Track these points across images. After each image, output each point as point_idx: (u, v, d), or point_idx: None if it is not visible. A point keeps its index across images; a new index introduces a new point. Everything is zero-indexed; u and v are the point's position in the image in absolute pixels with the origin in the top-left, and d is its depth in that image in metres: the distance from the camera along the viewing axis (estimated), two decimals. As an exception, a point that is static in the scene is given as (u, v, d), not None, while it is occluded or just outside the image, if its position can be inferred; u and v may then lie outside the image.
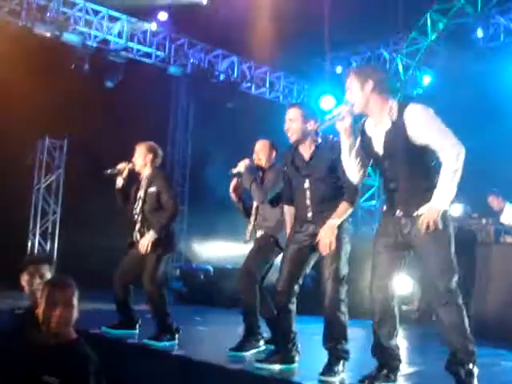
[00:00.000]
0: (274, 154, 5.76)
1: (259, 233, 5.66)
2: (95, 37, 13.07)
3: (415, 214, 3.87)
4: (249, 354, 5.21)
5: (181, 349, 5.34)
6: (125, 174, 6.27)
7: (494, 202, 9.27)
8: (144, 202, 6.06)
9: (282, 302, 4.69)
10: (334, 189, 4.58)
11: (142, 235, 5.99)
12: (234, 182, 5.69)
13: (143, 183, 6.17)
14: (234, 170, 5.61)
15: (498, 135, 11.28)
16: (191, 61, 14.54)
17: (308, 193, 4.65)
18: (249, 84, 15.61)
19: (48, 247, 13.93)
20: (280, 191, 5.28)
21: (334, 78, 15.70)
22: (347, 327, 4.53)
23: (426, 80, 15.01)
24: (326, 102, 15.42)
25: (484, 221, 8.23)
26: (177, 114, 17.44)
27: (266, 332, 5.62)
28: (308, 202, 4.64)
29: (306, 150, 4.73)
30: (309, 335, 4.90)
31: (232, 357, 5.10)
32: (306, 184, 4.66)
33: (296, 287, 4.68)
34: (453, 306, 3.79)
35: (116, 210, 6.49)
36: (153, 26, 13.79)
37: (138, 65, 13.80)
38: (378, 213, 15.11)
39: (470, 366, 3.76)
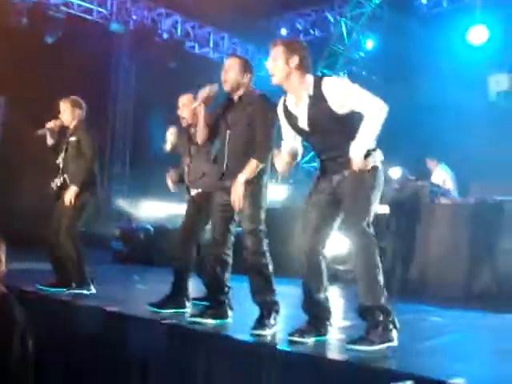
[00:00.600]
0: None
1: (194, 191, 5.60)
2: (34, -10, 12.72)
3: (347, 174, 3.95)
4: (168, 312, 5.12)
5: (116, 305, 5.31)
6: (54, 131, 6.51)
7: (429, 162, 9.72)
8: (66, 150, 6.40)
9: (217, 253, 4.71)
10: (251, 144, 4.58)
11: (64, 182, 6.35)
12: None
13: (67, 134, 6.49)
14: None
15: (437, 101, 11.48)
16: (134, 18, 14.30)
17: (226, 145, 4.68)
18: (192, 43, 15.47)
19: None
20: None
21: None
22: (272, 279, 4.58)
23: (369, 44, 15.09)
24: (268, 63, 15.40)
25: (420, 183, 8.42)
26: (119, 72, 17.17)
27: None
28: (225, 154, 4.68)
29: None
30: (243, 291, 4.93)
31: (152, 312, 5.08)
32: (227, 137, 4.69)
33: (231, 238, 4.72)
34: (364, 250, 3.88)
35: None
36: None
37: (78, 21, 13.50)
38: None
39: (379, 316, 3.81)
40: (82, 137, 6.36)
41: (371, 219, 3.93)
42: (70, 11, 13.33)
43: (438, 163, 9.59)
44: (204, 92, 4.79)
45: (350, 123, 3.94)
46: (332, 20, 15.30)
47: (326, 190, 4.06)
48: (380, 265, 3.89)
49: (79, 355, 5.19)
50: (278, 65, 4.04)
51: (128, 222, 13.90)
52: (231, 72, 4.66)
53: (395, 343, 3.79)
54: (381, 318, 3.80)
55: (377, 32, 14.76)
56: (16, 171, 12.97)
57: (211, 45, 15.82)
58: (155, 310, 5.12)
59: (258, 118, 4.56)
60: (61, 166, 6.43)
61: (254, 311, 4.52)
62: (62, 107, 6.49)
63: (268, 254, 4.58)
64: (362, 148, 3.81)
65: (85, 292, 6.15)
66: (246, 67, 4.72)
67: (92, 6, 13.69)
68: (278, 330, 4.42)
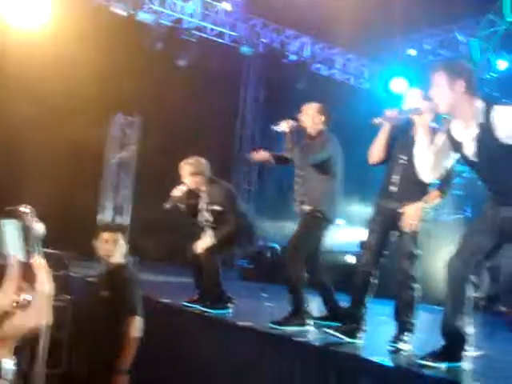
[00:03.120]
0: (322, 118, 5.68)
1: (304, 206, 5.63)
2: (169, 16, 13.26)
3: None
4: (289, 329, 5.20)
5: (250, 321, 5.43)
6: (182, 198, 6.44)
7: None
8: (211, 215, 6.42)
9: (366, 272, 4.82)
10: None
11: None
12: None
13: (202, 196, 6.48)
14: (277, 128, 5.49)
15: None
16: (263, 41, 14.59)
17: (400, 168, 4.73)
18: (319, 65, 15.59)
19: (121, 221, 14.28)
20: (327, 160, 5.26)
21: (406, 61, 15.54)
22: (416, 302, 4.68)
23: (502, 65, 14.62)
24: (397, 84, 15.29)
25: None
26: (247, 93, 17.54)
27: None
28: (398, 177, 4.75)
29: None
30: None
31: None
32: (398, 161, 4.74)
33: (380, 259, 4.84)
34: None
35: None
36: (226, 6, 13.90)
37: (210, 44, 13.94)
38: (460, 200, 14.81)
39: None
40: (226, 205, 6.30)
41: None
42: (203, 35, 13.76)
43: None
44: (393, 111, 4.58)
45: None
46: (462, 39, 14.97)
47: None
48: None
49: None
50: (442, 92, 3.80)
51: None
52: (426, 103, 4.39)
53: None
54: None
55: (510, 52, 14.31)
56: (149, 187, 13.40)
57: (338, 66, 15.88)
58: (276, 327, 5.20)
59: None
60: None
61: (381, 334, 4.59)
62: (183, 170, 6.42)
63: (417, 279, 4.72)
64: None
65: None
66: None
67: (224, 30, 14.09)
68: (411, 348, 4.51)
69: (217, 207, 6.30)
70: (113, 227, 5.43)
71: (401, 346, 4.51)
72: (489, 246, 3.97)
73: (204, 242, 6.27)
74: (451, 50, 15.42)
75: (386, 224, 4.78)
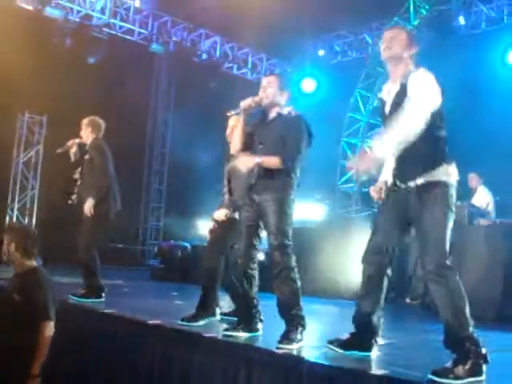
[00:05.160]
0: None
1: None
2: (78, 12, 13.00)
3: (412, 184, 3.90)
4: (198, 324, 5.25)
5: (161, 319, 5.39)
6: (74, 149, 6.91)
7: (472, 180, 9.57)
8: (82, 167, 6.87)
9: (243, 268, 4.79)
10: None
11: (78, 196, 6.82)
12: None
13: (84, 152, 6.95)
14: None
15: (477, 122, 11.41)
16: (173, 39, 14.52)
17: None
18: (231, 64, 15.65)
19: (26, 222, 13.89)
20: None
21: (316, 62, 15.79)
22: (300, 294, 4.63)
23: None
24: (308, 84, 15.52)
25: (459, 203, 8.36)
26: (158, 92, 17.44)
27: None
28: (255, 168, 4.75)
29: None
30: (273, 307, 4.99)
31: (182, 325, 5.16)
32: (257, 152, 4.77)
33: (253, 251, 4.78)
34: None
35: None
36: (136, 3, 13.76)
37: (120, 41, 13.77)
38: (354, 195, 15.28)
39: (469, 347, 3.60)
40: (94, 155, 6.74)
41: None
42: (112, 32, 13.58)
43: (481, 182, 9.48)
44: (247, 101, 4.80)
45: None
46: (370, 41, 15.34)
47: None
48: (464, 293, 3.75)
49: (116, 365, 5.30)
50: (395, 46, 3.98)
51: (165, 240, 14.05)
52: (270, 89, 4.77)
53: (483, 378, 3.52)
54: (471, 349, 3.58)
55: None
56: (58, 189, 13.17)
57: (249, 66, 15.98)
58: (185, 323, 5.20)
59: (292, 134, 4.66)
60: (78, 181, 6.89)
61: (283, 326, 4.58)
62: (82, 126, 6.92)
63: (296, 270, 4.64)
64: (382, 143, 3.69)
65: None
66: (284, 85, 4.86)
67: (133, 27, 13.94)
68: (304, 345, 4.45)
69: (87, 156, 6.83)
70: (5, 229, 5.30)
71: (290, 346, 4.33)
72: (397, 233, 4.05)
73: (86, 204, 6.61)
74: (360, 51, 15.78)
75: (254, 215, 4.77)
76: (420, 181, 3.85)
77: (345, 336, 4.16)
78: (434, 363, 3.66)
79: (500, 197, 9.53)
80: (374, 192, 4.32)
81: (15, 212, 13.93)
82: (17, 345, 4.58)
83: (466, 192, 9.48)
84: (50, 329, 4.68)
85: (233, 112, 4.88)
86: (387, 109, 4.06)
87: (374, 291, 4.09)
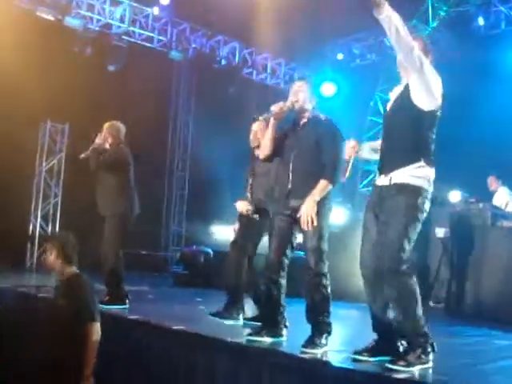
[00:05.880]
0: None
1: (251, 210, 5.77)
2: (97, 21, 13.12)
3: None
4: (225, 322, 5.34)
5: (185, 325, 5.42)
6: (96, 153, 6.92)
7: (492, 182, 9.60)
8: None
9: (273, 275, 4.79)
10: (317, 164, 4.69)
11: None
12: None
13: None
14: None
15: (496, 122, 11.34)
16: (193, 46, 14.59)
17: (291, 165, 4.76)
18: (250, 70, 15.69)
19: (49, 230, 13.99)
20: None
21: (335, 65, 15.78)
22: (329, 301, 4.65)
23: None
24: (327, 88, 15.50)
25: (481, 205, 8.33)
26: (178, 98, 17.52)
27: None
28: (290, 174, 4.75)
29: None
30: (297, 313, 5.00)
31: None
32: (291, 158, 4.77)
33: (285, 260, 4.78)
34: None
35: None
36: (155, 11, 13.85)
37: (140, 49, 13.86)
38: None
39: (418, 339, 3.92)
40: (112, 158, 6.84)
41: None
42: (132, 40, 13.68)
43: (500, 183, 9.47)
44: (278, 106, 4.83)
45: (419, 124, 3.98)
46: (389, 44, 15.28)
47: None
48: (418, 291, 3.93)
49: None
50: (411, 53, 3.98)
51: (188, 246, 14.08)
52: (301, 93, 4.82)
53: (430, 365, 3.85)
54: (420, 341, 3.87)
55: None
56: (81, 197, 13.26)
57: (268, 71, 16.01)
58: (214, 316, 5.41)
59: (327, 139, 4.69)
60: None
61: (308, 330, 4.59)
62: (103, 130, 7.03)
63: (328, 276, 4.65)
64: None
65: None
66: (312, 90, 4.92)
67: (153, 35, 14.03)
68: (328, 350, 4.48)
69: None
70: (46, 237, 5.47)
71: (314, 351, 4.39)
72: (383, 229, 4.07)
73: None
74: (379, 54, 15.73)
75: (289, 222, 4.77)
76: (396, 177, 3.96)
77: (370, 344, 4.16)
78: (459, 366, 3.69)
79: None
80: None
81: (38, 220, 14.02)
82: (64, 349, 4.69)
83: (487, 194, 9.47)
84: (96, 330, 4.77)
85: (264, 115, 4.89)
86: (388, 106, 4.20)
87: (379, 294, 4.11)
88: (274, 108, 4.79)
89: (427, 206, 3.99)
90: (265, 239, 5.60)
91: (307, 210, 4.53)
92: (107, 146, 6.95)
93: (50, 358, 4.74)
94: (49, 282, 6.62)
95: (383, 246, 3.92)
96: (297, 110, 4.83)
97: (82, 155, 6.95)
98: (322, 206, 4.61)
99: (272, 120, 4.85)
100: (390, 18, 3.74)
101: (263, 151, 5.02)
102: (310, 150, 4.70)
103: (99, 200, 6.89)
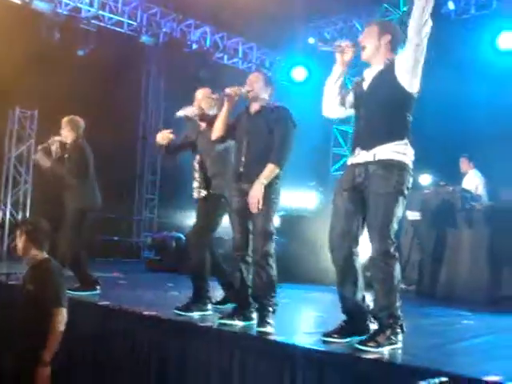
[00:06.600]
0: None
1: (204, 192, 5.65)
2: (66, 4, 12.94)
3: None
4: (194, 314, 5.28)
5: (152, 310, 5.41)
6: (55, 146, 7.00)
7: (463, 164, 9.66)
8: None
9: (241, 256, 4.88)
10: (270, 150, 4.78)
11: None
12: None
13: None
14: (179, 114, 5.73)
15: (469, 107, 11.41)
16: (163, 30, 14.48)
17: (244, 149, 4.88)
18: (221, 54, 15.62)
19: (20, 217, 13.85)
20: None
21: (306, 49, 15.74)
22: (276, 280, 4.77)
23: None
24: (298, 72, 15.49)
25: (451, 188, 8.41)
26: (149, 83, 17.41)
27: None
28: (243, 158, 4.86)
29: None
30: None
31: (177, 315, 5.21)
32: (244, 143, 4.89)
33: (249, 240, 4.87)
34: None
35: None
36: (125, -5, 13.71)
37: (109, 33, 13.72)
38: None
39: (389, 320, 3.96)
40: (73, 155, 6.87)
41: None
42: (101, 24, 13.53)
43: (472, 165, 9.54)
44: (233, 89, 4.93)
45: (401, 106, 4.05)
46: (360, 28, 15.31)
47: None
48: (399, 272, 3.98)
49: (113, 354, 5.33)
50: (369, 40, 4.21)
51: (159, 231, 14.05)
52: (256, 84, 4.96)
53: (399, 345, 3.92)
54: (390, 322, 3.93)
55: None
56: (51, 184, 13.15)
57: (240, 55, 15.96)
58: (180, 313, 5.25)
59: (280, 126, 4.81)
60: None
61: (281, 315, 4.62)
62: (62, 124, 7.05)
63: (275, 257, 4.78)
64: None
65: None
66: (269, 81, 5.09)
67: (122, 19, 13.89)
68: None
69: (66, 155, 6.95)
70: (17, 223, 5.45)
71: (267, 329, 4.57)
72: (356, 211, 4.11)
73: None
74: (350, 38, 15.67)
75: (245, 203, 4.81)
76: (380, 153, 4.00)
77: (339, 325, 4.19)
78: (428, 347, 3.72)
79: (491, 181, 9.58)
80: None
81: (8, 207, 13.86)
82: (29, 333, 4.71)
83: (458, 176, 9.55)
84: (62, 316, 4.77)
85: (216, 94, 5.19)
86: (365, 85, 4.24)
87: (348, 276, 4.15)
88: (229, 90, 4.91)
89: (410, 183, 4.06)
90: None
91: (254, 193, 4.67)
92: (68, 141, 6.97)
93: (18, 344, 4.73)
94: (20, 270, 6.55)
95: (373, 230, 3.99)
96: (252, 97, 4.95)
97: (40, 146, 7.08)
98: (269, 189, 4.71)
99: (226, 103, 4.95)
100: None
101: (215, 133, 5.11)
102: (263, 136, 4.82)
103: (64, 193, 6.95)
